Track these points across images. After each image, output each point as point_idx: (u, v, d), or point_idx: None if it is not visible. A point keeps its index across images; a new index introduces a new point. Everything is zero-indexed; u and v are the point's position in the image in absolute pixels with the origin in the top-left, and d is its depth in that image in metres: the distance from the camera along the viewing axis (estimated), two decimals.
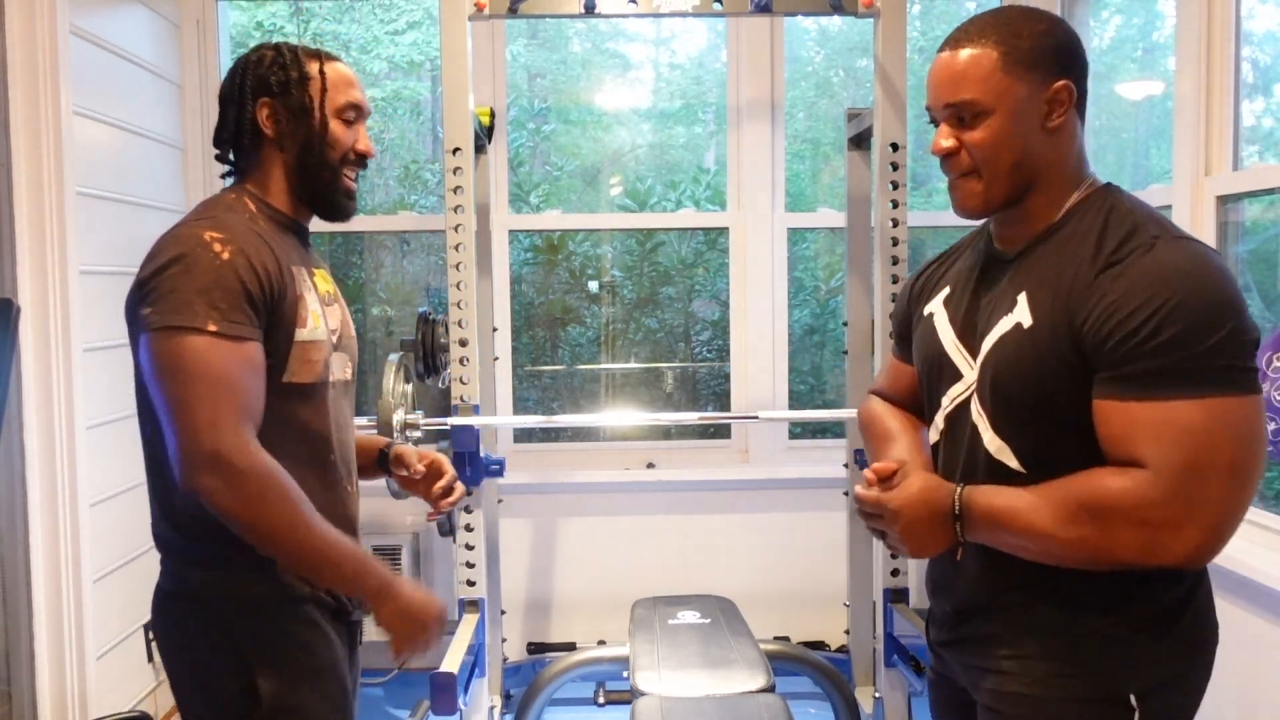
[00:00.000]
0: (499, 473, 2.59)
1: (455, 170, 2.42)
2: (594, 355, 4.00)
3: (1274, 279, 2.62)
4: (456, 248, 2.45)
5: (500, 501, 3.05)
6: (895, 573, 2.58)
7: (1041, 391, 1.22)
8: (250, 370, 1.34)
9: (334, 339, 1.52)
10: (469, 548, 2.49)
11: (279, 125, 1.48)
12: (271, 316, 1.39)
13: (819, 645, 3.37)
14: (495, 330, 3.03)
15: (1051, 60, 1.25)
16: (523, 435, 3.56)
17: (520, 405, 3.68)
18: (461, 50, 2.44)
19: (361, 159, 1.54)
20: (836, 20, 3.97)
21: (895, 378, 1.56)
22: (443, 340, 2.54)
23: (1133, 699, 1.22)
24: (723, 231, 3.61)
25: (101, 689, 2.70)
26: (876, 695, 2.62)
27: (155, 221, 3.19)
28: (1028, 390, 1.23)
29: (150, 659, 3.06)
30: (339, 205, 1.54)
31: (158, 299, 1.32)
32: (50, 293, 2.54)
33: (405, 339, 2.65)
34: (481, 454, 2.49)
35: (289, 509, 1.32)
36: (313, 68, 1.49)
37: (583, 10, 2.52)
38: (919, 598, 2.08)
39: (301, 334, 1.43)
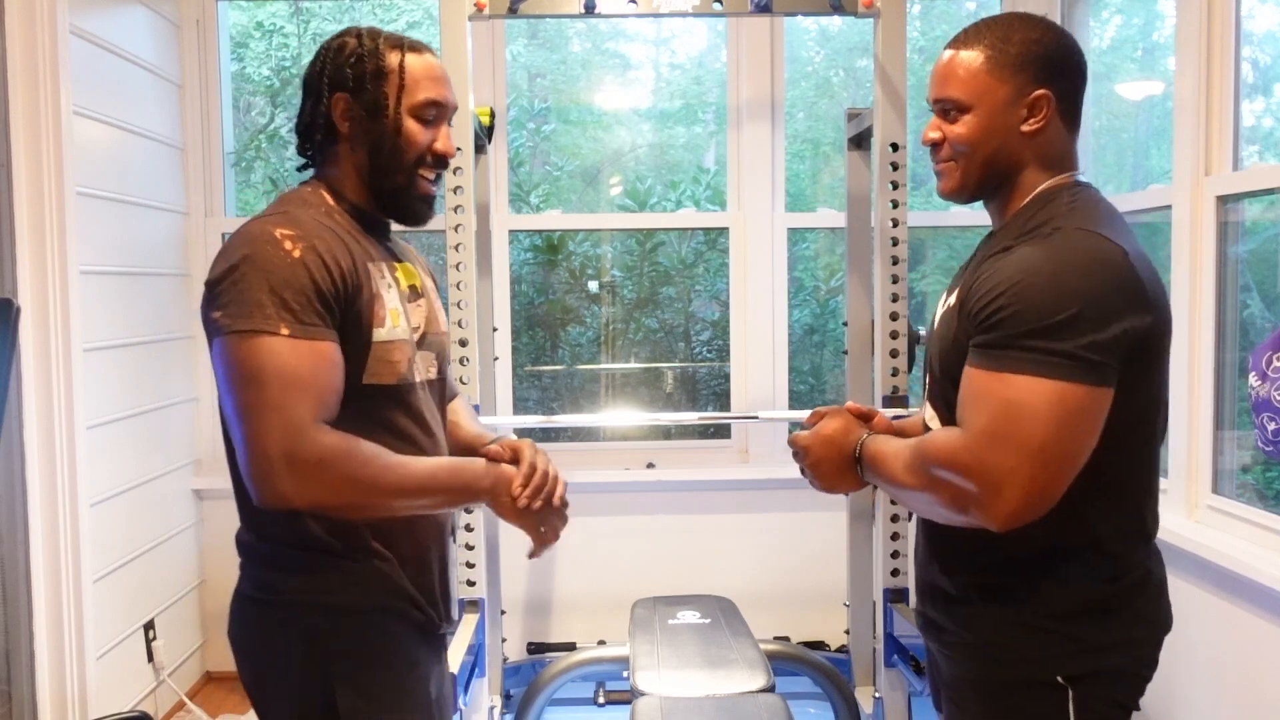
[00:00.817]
0: None
1: (455, 170, 2.42)
2: (594, 355, 4.00)
3: (1274, 279, 2.62)
4: (456, 248, 2.45)
5: None
6: (895, 573, 2.58)
7: (952, 365, 1.32)
8: (327, 366, 1.28)
9: (416, 337, 1.44)
10: (469, 548, 2.49)
11: (352, 122, 1.40)
12: (346, 314, 1.32)
13: (819, 645, 3.37)
14: (495, 330, 3.03)
15: (1035, 67, 1.32)
16: (523, 435, 3.55)
17: (520, 405, 3.68)
18: (461, 50, 2.45)
19: (440, 160, 1.44)
20: (836, 20, 3.97)
21: None
22: None
23: (1060, 679, 1.29)
24: (723, 231, 3.61)
25: (101, 689, 2.70)
26: (876, 695, 2.62)
27: (155, 221, 3.20)
28: (942, 364, 1.36)
29: (150, 659, 3.06)
30: (413, 210, 1.46)
31: (228, 302, 1.25)
32: (50, 293, 2.54)
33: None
34: None
35: (372, 474, 1.28)
36: (392, 60, 1.40)
37: (583, 10, 2.52)
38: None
39: (380, 334, 1.35)
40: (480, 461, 1.43)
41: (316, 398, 1.26)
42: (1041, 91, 1.31)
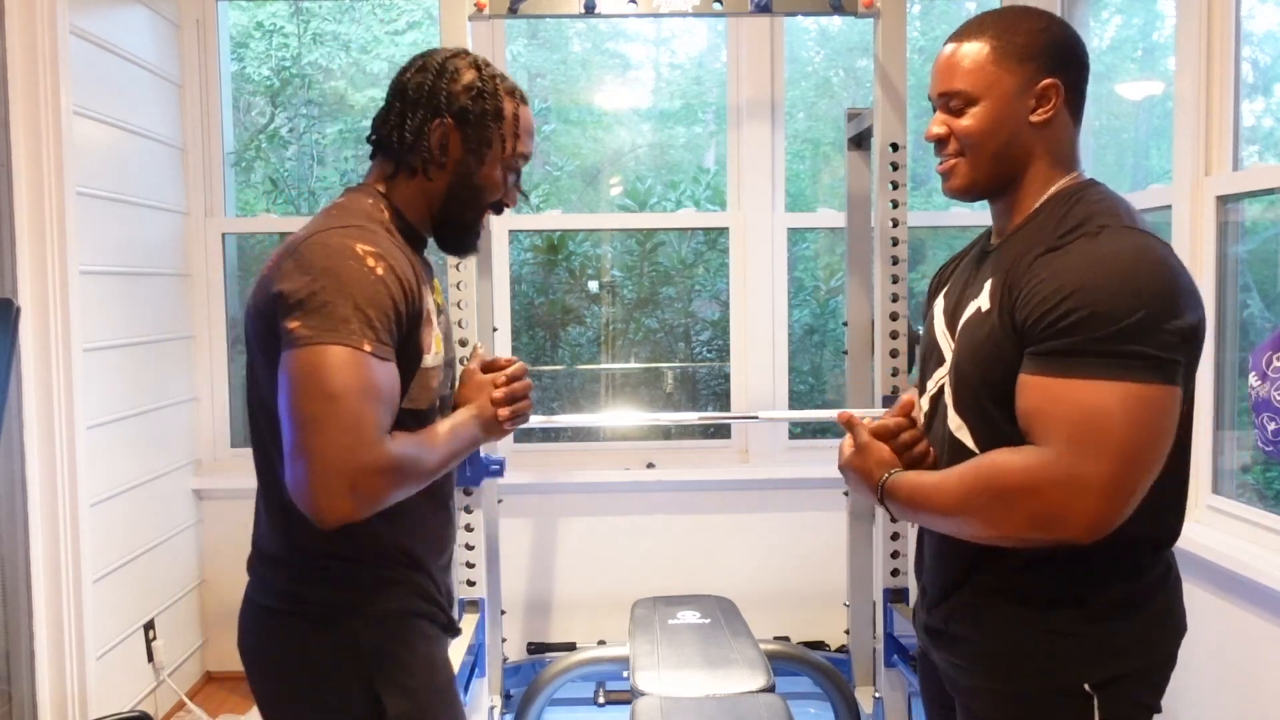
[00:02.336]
0: (499, 473, 2.59)
1: None
2: (594, 355, 4.00)
3: (1274, 279, 2.62)
4: None
5: (500, 501, 3.05)
6: (895, 573, 2.58)
7: (991, 373, 1.27)
8: (394, 386, 1.28)
9: (447, 358, 1.46)
10: (469, 548, 2.49)
11: (448, 150, 1.41)
12: (407, 339, 1.32)
13: (819, 645, 3.37)
14: (495, 330, 3.03)
15: (1043, 57, 1.30)
16: (523, 435, 3.56)
17: None
18: None
19: (502, 208, 1.49)
20: (836, 20, 3.97)
21: None
22: None
23: (1087, 687, 1.26)
24: (723, 231, 3.61)
25: (101, 689, 2.70)
26: (876, 695, 2.62)
27: (155, 221, 3.20)
28: (980, 371, 1.29)
29: (150, 659, 3.06)
30: (467, 245, 1.50)
31: (310, 313, 1.22)
32: (50, 293, 2.54)
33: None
34: (481, 454, 2.49)
35: (422, 468, 1.31)
36: (509, 107, 1.43)
37: (583, 10, 2.53)
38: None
39: (426, 360, 1.36)
40: (460, 413, 1.46)
41: (386, 414, 1.25)
42: (1050, 80, 1.29)
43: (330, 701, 1.36)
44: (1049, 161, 1.32)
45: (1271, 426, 2.04)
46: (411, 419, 1.37)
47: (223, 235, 3.46)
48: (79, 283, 2.62)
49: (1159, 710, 1.33)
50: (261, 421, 1.36)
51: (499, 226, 3.42)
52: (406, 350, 1.32)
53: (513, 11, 2.52)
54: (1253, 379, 2.07)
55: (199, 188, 3.44)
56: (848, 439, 1.43)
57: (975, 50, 1.31)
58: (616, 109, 4.05)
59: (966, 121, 1.32)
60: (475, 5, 2.46)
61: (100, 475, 2.76)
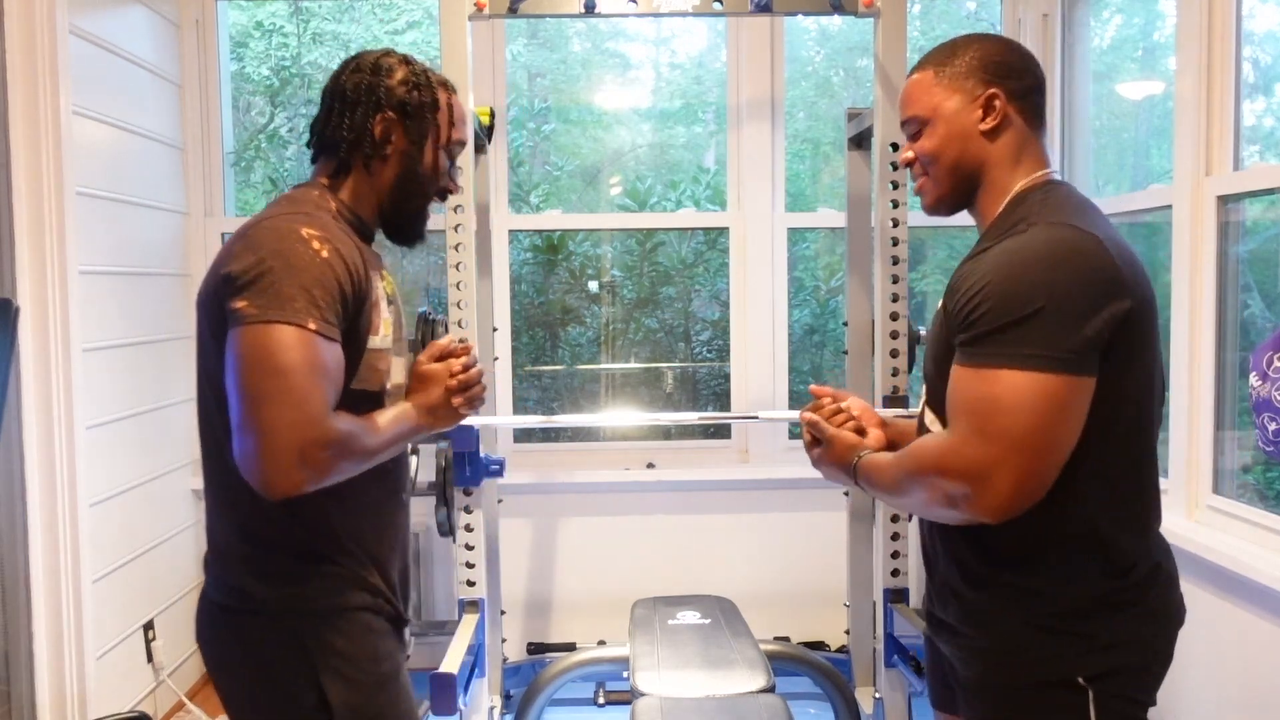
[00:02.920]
0: (499, 473, 2.59)
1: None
2: (594, 355, 4.00)
3: (1274, 279, 2.62)
4: (456, 248, 2.45)
5: (500, 501, 3.05)
6: (895, 573, 2.58)
7: (942, 369, 1.35)
8: (338, 366, 1.32)
9: (396, 345, 1.51)
10: (469, 548, 2.49)
11: (391, 143, 1.47)
12: (354, 320, 1.36)
13: (819, 645, 3.37)
14: (495, 330, 3.03)
15: (982, 72, 1.40)
16: (523, 435, 3.56)
17: (520, 405, 3.68)
18: (461, 50, 2.44)
19: (446, 194, 1.56)
20: (836, 20, 3.97)
21: None
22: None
23: (1081, 680, 1.30)
24: (723, 231, 3.61)
25: (101, 689, 2.70)
26: (876, 695, 2.62)
27: (155, 221, 3.19)
28: (934, 368, 1.40)
29: (150, 659, 3.06)
30: (415, 233, 1.55)
31: (257, 293, 1.26)
32: (50, 293, 2.54)
33: (406, 339, 2.65)
34: (481, 454, 2.49)
35: (363, 446, 1.34)
36: (443, 98, 1.50)
37: (583, 10, 2.52)
38: (919, 598, 2.08)
39: (374, 341, 1.40)
40: (402, 403, 1.50)
41: (331, 391, 1.29)
42: (991, 90, 1.39)
43: (282, 696, 1.39)
44: (1007, 166, 1.40)
45: (1272, 426, 2.04)
46: (364, 401, 1.40)
47: (222, 235, 3.46)
48: (78, 283, 2.62)
49: (1154, 704, 1.35)
50: (212, 405, 1.38)
51: (499, 227, 3.42)
52: (354, 332, 1.36)
53: (513, 11, 2.51)
54: (1253, 379, 2.07)
55: (199, 188, 3.44)
56: (807, 436, 1.58)
57: (924, 78, 1.44)
58: (616, 109, 4.05)
59: (924, 143, 1.43)
60: (475, 5, 2.46)
61: (100, 475, 2.76)
